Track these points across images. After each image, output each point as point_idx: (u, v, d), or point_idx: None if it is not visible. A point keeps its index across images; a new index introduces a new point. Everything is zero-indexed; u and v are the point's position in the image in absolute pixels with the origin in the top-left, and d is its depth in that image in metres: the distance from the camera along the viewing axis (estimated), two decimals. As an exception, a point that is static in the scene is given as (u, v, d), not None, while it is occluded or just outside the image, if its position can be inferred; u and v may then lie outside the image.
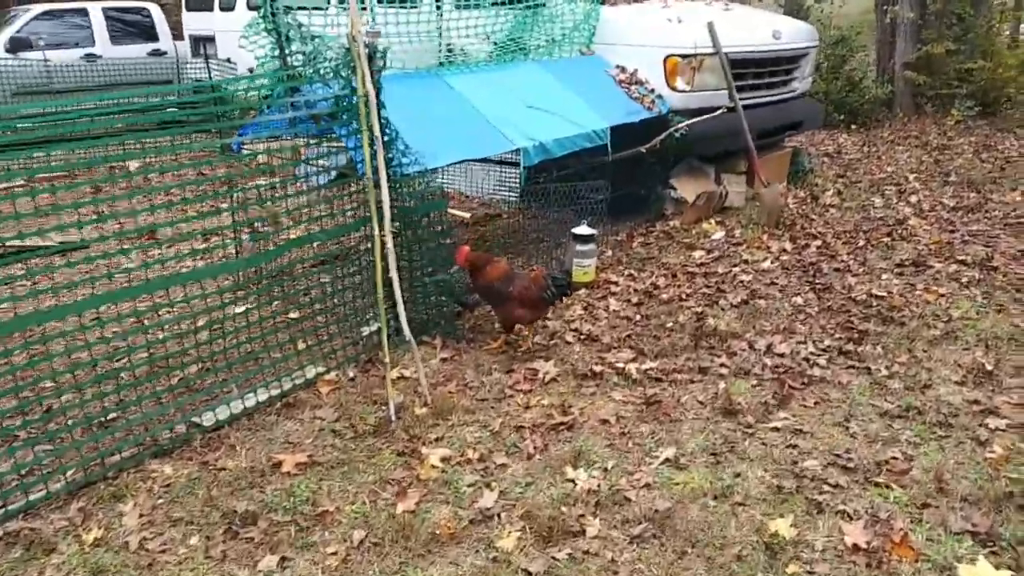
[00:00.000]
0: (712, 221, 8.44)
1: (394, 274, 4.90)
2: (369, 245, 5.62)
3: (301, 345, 5.26)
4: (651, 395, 4.93)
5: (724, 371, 5.23)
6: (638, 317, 6.12)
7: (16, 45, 13.98)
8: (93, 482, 4.17)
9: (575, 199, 7.34)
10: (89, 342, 4.32)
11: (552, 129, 6.69)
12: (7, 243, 5.21)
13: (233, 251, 6.25)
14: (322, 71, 5.10)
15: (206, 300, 4.84)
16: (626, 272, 7.12)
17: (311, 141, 5.70)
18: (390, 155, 5.37)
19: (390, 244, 4.92)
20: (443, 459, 4.30)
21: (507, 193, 9.49)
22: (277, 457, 4.34)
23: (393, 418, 4.70)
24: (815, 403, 4.82)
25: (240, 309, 5.24)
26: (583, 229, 6.78)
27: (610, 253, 7.66)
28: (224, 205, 6.12)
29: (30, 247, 4.56)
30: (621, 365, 5.27)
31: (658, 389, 5.02)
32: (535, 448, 4.40)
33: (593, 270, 6.80)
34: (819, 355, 5.41)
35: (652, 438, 4.49)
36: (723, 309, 6.26)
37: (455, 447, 4.44)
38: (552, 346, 5.66)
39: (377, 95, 5.19)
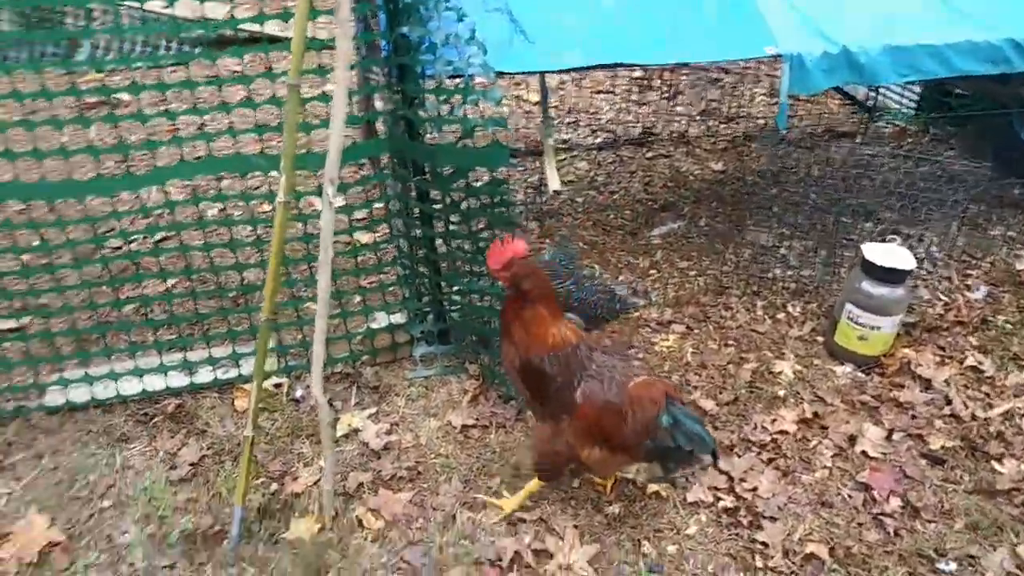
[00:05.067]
0: None
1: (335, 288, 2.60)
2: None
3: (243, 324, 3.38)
4: None
5: None
6: (894, 508, 2.86)
7: None
8: None
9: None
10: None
11: (895, 25, 3.20)
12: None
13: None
14: None
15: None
16: (966, 354, 3.54)
17: None
18: (405, 31, 2.80)
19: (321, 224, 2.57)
20: None
21: (899, 100, 5.81)
22: (3, 540, 2.73)
23: (233, 535, 2.70)
24: None
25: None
26: (888, 254, 3.38)
27: (980, 295, 3.98)
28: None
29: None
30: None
31: None
32: None
33: (887, 336, 3.45)
34: None
35: None
36: None
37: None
38: (648, 498, 2.88)
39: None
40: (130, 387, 3.28)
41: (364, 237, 3.90)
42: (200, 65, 6.04)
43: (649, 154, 5.48)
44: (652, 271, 4.20)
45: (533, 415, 2.80)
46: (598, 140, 5.68)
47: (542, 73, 4.76)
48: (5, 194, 3.01)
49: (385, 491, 2.89)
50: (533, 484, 2.79)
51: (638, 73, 6.53)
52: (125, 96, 5.67)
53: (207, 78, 2.97)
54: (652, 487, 2.88)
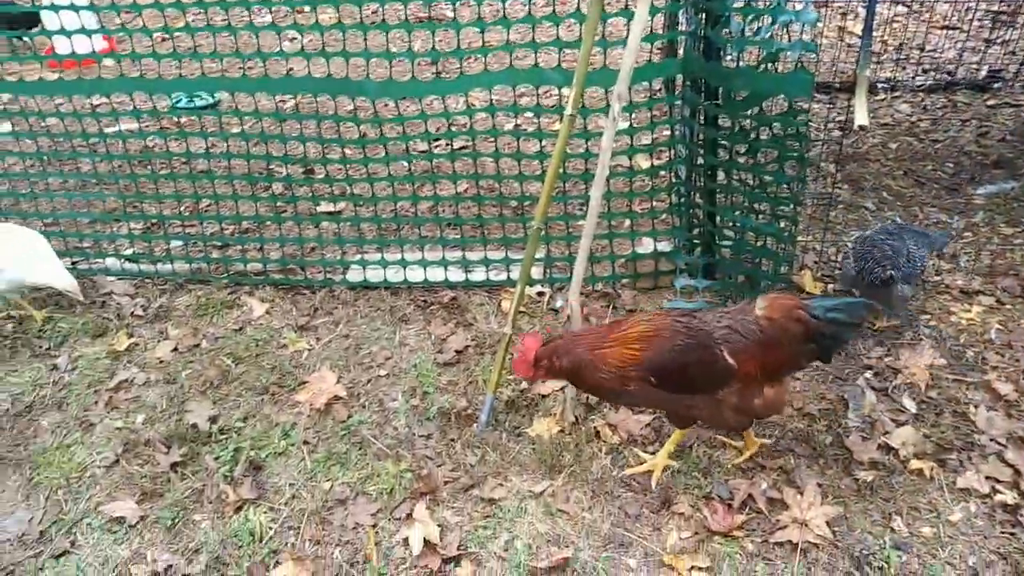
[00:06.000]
0: None
1: (595, 200, 2.68)
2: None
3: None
4: None
5: None
6: None
7: None
8: (208, 281, 3.87)
9: None
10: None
11: None
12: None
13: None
14: None
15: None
16: None
17: None
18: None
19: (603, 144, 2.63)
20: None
21: None
22: (298, 374, 3.25)
23: (482, 420, 2.96)
24: None
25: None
26: None
27: None
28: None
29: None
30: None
31: None
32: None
33: None
34: None
35: None
36: None
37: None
38: (910, 473, 2.63)
39: None
40: (415, 275, 3.69)
41: (643, 161, 3.93)
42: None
43: (991, 101, 4.79)
44: (967, 233, 3.74)
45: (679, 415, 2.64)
46: (928, 81, 5.07)
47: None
48: (337, 90, 3.45)
49: (625, 411, 2.98)
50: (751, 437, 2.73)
51: (998, 6, 5.67)
52: (448, 13, 6.18)
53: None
54: (915, 463, 2.65)
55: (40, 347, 3.57)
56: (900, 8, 5.96)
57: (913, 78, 5.13)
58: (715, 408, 2.47)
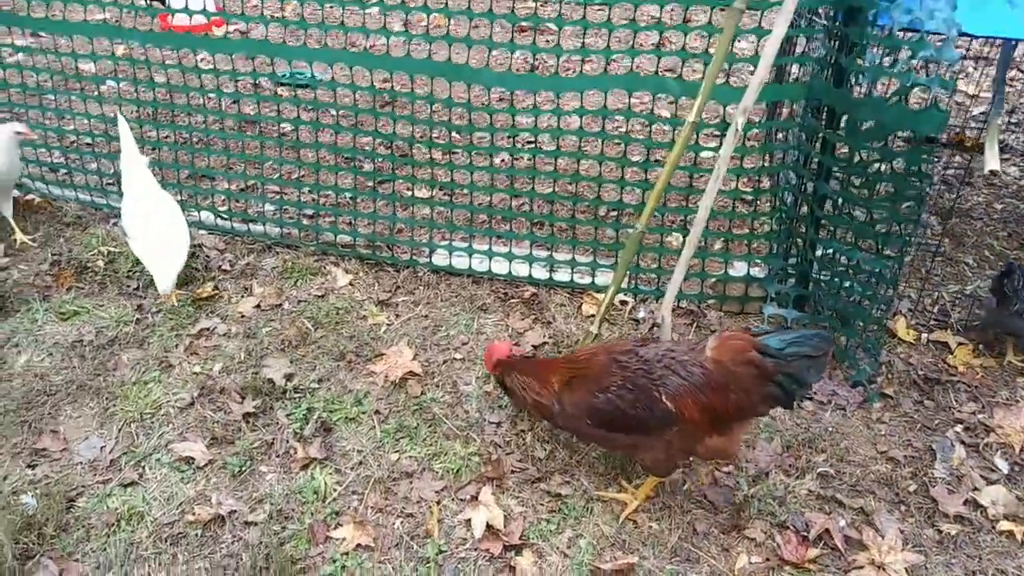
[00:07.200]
0: None
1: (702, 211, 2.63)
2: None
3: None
4: None
5: None
6: None
7: None
8: (296, 247, 3.91)
9: None
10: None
11: None
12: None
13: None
14: None
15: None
16: None
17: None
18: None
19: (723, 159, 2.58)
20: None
21: None
22: (375, 345, 3.23)
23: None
24: None
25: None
26: None
27: None
28: None
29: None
30: None
31: None
32: None
33: None
34: None
35: None
36: None
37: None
38: (998, 533, 2.49)
39: None
40: (499, 267, 3.67)
41: (745, 183, 3.86)
42: None
43: (1106, 174, 4.61)
44: (1072, 303, 3.57)
45: (632, 454, 2.61)
46: (1041, 147, 4.91)
47: (1015, 42, 4.13)
48: (455, 75, 3.42)
49: (702, 428, 2.90)
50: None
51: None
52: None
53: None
54: (1005, 524, 2.51)
55: (128, 287, 3.65)
56: (1016, 74, 5.80)
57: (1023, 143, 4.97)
58: (662, 446, 2.40)
